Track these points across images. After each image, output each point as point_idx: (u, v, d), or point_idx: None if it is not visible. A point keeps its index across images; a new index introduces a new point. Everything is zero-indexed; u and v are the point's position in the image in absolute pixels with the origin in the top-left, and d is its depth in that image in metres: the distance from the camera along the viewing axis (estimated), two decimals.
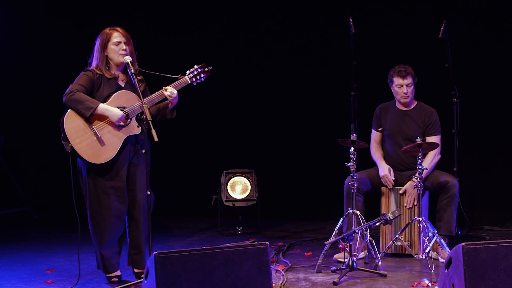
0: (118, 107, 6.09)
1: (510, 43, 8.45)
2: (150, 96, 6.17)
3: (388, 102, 7.54)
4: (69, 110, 6.05)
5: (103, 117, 6.07)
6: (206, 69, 6.30)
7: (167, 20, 9.83)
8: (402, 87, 7.24)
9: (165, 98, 6.23)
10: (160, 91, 6.18)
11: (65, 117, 6.02)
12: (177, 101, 6.28)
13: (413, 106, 7.41)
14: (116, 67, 6.24)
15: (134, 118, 6.14)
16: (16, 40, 10.11)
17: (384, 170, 7.32)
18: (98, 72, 6.20)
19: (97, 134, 6.06)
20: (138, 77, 6.29)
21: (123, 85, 6.26)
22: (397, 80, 7.24)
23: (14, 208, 10.10)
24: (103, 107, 6.05)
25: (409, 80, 7.22)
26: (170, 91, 6.17)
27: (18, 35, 10.13)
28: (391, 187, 7.28)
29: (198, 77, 6.28)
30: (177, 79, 6.24)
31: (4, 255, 7.59)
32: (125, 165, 6.20)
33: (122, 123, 6.09)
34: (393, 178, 7.30)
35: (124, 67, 6.23)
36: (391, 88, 7.35)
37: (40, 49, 10.09)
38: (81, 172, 6.24)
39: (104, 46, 6.20)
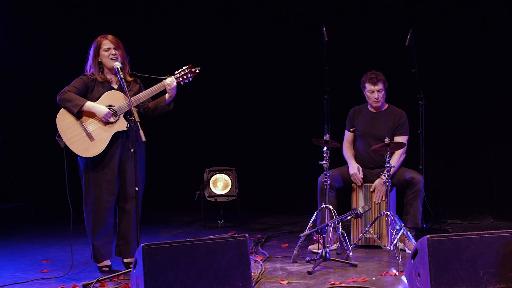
0: (107, 106, 6.09)
1: (471, 51, 8.47)
2: (137, 95, 6.13)
3: (361, 105, 7.52)
4: (61, 108, 6.06)
5: (92, 115, 6.06)
6: (193, 70, 6.26)
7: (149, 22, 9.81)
8: (373, 92, 7.23)
9: (156, 96, 6.22)
10: (151, 89, 6.16)
11: (57, 115, 6.05)
12: (175, 93, 6.25)
13: (384, 108, 7.39)
14: (109, 71, 6.24)
15: (122, 116, 6.11)
16: (15, 44, 10.04)
17: (354, 168, 7.30)
18: (92, 77, 6.21)
19: (86, 130, 6.05)
20: (131, 78, 6.30)
21: (116, 88, 6.25)
22: (369, 86, 7.23)
23: (12, 202, 10.04)
24: (90, 105, 6.05)
25: (380, 86, 7.21)
26: (170, 80, 6.17)
27: (17, 39, 10.07)
28: (360, 184, 7.27)
29: (185, 77, 6.25)
30: (164, 79, 6.21)
31: (2, 247, 7.54)
32: (116, 159, 6.19)
33: (111, 120, 6.07)
34: (362, 176, 7.28)
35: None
36: (364, 93, 7.34)
37: (37, 52, 10.03)
38: (79, 166, 6.25)
39: (97, 53, 6.21)
